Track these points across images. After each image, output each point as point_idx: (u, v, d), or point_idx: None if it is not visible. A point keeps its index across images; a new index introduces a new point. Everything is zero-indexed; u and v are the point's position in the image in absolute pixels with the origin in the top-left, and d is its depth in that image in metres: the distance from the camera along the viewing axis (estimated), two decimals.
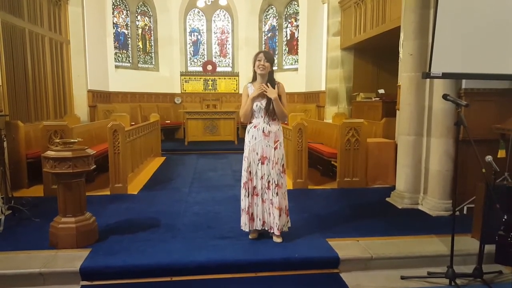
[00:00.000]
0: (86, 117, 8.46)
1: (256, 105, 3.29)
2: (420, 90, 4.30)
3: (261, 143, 3.30)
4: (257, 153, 3.30)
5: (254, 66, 3.32)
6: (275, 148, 3.30)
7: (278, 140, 3.32)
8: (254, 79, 3.39)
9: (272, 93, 3.20)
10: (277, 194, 3.28)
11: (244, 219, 3.36)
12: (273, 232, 3.33)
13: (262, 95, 3.28)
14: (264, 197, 3.32)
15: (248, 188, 3.33)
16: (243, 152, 3.41)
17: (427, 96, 4.28)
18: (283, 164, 3.35)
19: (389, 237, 3.48)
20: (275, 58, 8.98)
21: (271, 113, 3.28)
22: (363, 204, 4.58)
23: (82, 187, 3.25)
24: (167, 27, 11.81)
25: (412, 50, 4.29)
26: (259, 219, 3.33)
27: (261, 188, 3.31)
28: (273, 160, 3.29)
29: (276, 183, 3.28)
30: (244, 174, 3.36)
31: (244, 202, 3.35)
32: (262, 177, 3.30)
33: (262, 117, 3.31)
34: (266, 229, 3.37)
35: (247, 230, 3.38)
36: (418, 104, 4.33)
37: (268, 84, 3.23)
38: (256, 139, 3.31)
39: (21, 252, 3.09)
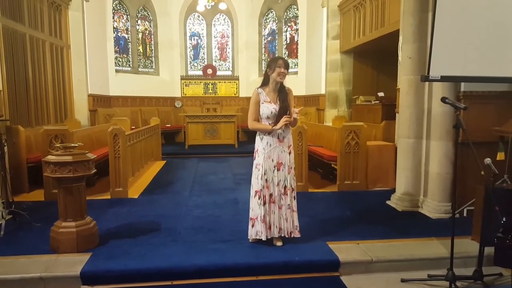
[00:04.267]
0: (87, 122, 8.47)
1: (271, 112, 3.25)
2: (419, 93, 4.32)
3: (276, 150, 3.27)
4: (272, 160, 3.26)
5: (270, 71, 3.24)
6: (289, 153, 3.30)
7: (290, 145, 3.33)
8: (265, 83, 3.32)
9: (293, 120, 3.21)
10: (294, 197, 3.30)
11: (260, 228, 3.23)
12: (293, 236, 3.32)
13: (275, 100, 3.28)
14: (280, 203, 3.29)
15: (264, 196, 3.24)
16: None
17: (426, 99, 4.30)
18: (293, 167, 3.36)
19: (389, 240, 3.49)
20: None
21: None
22: (363, 207, 4.58)
23: (82, 191, 3.26)
24: (167, 31, 11.85)
25: (411, 53, 4.31)
26: (276, 226, 3.29)
27: (278, 194, 3.28)
28: (288, 165, 3.29)
29: (291, 187, 3.30)
30: (258, 182, 3.25)
31: (258, 211, 3.23)
32: (278, 184, 3.27)
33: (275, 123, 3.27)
34: (282, 235, 3.32)
35: (264, 239, 3.25)
36: (417, 107, 4.34)
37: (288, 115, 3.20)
38: (271, 146, 3.27)
39: (21, 257, 3.10)
